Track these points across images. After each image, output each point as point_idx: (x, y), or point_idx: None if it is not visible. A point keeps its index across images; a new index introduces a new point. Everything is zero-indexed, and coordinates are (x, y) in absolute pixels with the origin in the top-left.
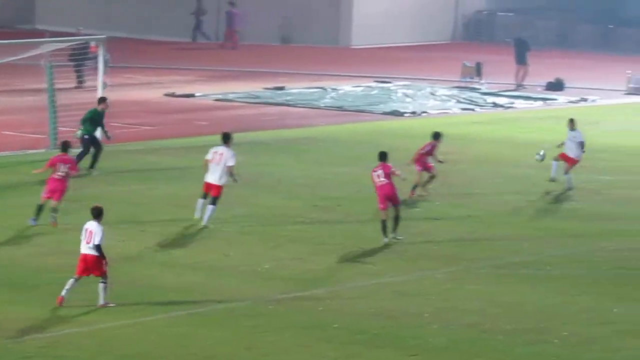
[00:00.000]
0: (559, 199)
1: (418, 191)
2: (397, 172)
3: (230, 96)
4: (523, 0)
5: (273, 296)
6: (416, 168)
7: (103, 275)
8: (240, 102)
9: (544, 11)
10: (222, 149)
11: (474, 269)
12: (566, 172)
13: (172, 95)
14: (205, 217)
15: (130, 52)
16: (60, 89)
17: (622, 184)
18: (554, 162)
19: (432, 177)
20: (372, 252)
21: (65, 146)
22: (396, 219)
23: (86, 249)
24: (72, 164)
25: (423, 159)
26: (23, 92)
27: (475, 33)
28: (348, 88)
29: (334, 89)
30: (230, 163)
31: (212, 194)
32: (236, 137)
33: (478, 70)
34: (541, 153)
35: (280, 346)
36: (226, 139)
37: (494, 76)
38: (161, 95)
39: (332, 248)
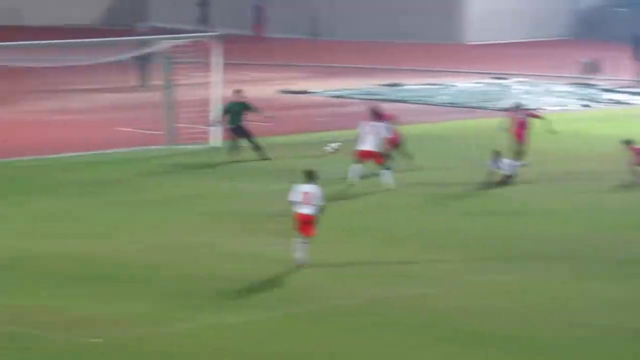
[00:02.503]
0: None
1: None
2: None
3: (346, 93)
4: None
5: (392, 293)
6: None
7: (311, 235)
8: (355, 98)
9: None
10: (374, 123)
11: (588, 267)
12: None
13: (287, 91)
14: (389, 181)
15: (244, 50)
16: (176, 86)
17: None
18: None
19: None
20: (479, 250)
21: None
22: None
23: (304, 209)
24: None
25: None
26: (136, 88)
27: (591, 29)
28: (464, 85)
29: (450, 86)
30: (384, 134)
31: (377, 162)
32: (350, 134)
33: (596, 67)
34: (332, 145)
35: (398, 346)
36: (376, 114)
37: (611, 73)
38: (276, 92)
39: (447, 246)
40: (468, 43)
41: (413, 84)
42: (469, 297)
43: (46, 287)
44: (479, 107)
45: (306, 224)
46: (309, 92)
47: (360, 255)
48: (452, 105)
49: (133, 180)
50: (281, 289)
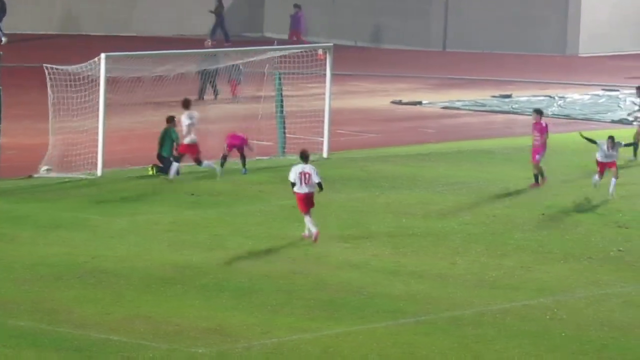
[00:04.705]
0: None
1: None
2: None
3: (457, 104)
4: None
5: (500, 305)
6: None
7: (310, 209)
8: (466, 110)
9: None
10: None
11: None
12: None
13: (399, 103)
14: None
15: (355, 60)
16: (286, 96)
17: None
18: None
19: None
20: (601, 262)
21: None
22: None
23: (306, 188)
24: None
25: None
26: (246, 100)
27: None
28: (576, 96)
29: (561, 97)
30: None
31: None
32: (462, 145)
33: None
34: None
35: (507, 355)
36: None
37: None
38: (387, 103)
39: (559, 256)
40: (581, 55)
41: (525, 96)
42: (590, 309)
43: (151, 294)
44: (591, 119)
45: (304, 201)
46: (420, 103)
47: (465, 265)
48: (564, 117)
49: (246, 191)
50: (388, 298)
